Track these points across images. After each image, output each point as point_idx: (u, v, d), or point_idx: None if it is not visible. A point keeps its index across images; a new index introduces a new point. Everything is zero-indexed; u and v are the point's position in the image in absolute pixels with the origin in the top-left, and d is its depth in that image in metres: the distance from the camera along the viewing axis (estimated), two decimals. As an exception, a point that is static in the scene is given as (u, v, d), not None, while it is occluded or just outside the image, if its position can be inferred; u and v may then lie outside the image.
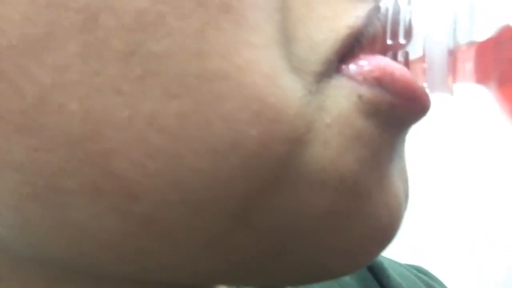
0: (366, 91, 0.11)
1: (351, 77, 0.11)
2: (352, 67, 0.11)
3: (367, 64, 0.11)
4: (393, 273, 0.24)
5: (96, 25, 0.10)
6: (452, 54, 0.12)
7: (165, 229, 0.11)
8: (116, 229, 0.11)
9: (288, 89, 0.10)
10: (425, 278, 0.26)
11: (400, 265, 0.26)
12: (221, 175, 0.10)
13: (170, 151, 0.10)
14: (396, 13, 0.12)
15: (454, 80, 0.13)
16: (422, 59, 0.12)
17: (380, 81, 0.11)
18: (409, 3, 0.12)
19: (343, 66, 0.11)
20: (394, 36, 0.12)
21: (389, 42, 0.12)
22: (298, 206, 0.11)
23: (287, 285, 0.14)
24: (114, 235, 0.11)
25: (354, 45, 0.11)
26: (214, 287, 0.15)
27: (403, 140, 0.13)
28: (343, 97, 0.11)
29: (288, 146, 0.10)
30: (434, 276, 0.27)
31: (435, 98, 0.12)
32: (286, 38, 0.11)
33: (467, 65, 0.13)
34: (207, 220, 0.11)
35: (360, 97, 0.11)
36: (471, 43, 0.13)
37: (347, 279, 0.23)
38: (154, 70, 0.10)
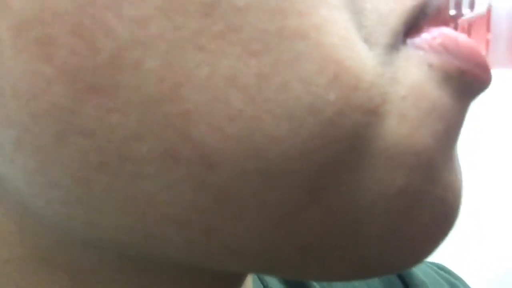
0: (435, 59, 0.11)
1: (418, 47, 0.11)
2: (418, 38, 0.11)
3: (432, 33, 0.11)
4: (416, 270, 0.24)
5: None
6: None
7: (239, 205, 0.10)
8: (189, 203, 0.10)
9: (363, 56, 0.10)
10: (447, 276, 0.26)
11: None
12: (297, 143, 0.10)
13: (249, 113, 0.09)
14: None
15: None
16: (485, 30, 0.15)
17: (446, 48, 0.11)
18: None
19: (409, 38, 0.11)
20: (458, 6, 0.15)
21: (452, 12, 0.12)
22: (371, 184, 0.10)
23: (336, 279, 0.14)
24: (186, 210, 0.10)
25: (419, 16, 0.11)
26: (244, 281, 0.14)
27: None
28: (413, 67, 0.11)
29: (365, 117, 0.10)
30: (456, 274, 0.26)
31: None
32: (356, 8, 0.10)
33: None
34: (281, 194, 0.10)
35: (430, 65, 0.11)
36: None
37: None
38: (235, 25, 0.09)
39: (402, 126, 0.10)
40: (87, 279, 0.12)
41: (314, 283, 0.22)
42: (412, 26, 0.11)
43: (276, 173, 0.10)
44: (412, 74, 0.10)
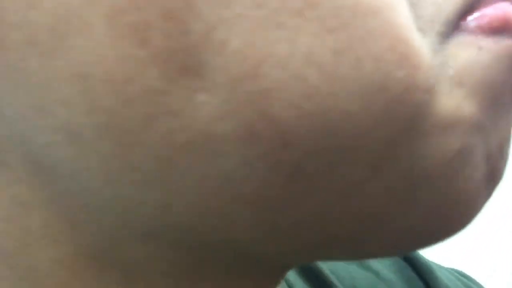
0: (485, 43, 0.11)
1: (469, 30, 0.11)
2: (470, 21, 0.11)
3: (485, 15, 0.11)
4: (440, 274, 0.24)
5: None
6: None
7: (310, 182, 0.11)
8: (263, 181, 0.10)
9: (421, 41, 0.11)
10: (467, 281, 0.26)
11: (442, 267, 0.26)
12: (368, 119, 0.10)
13: (326, 90, 0.10)
14: None
15: None
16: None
17: (495, 27, 0.11)
18: None
19: (462, 22, 0.11)
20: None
21: None
22: (429, 152, 0.11)
23: (385, 253, 0.14)
24: (259, 188, 0.10)
25: (473, 2, 0.11)
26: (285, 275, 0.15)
27: None
28: (464, 51, 0.11)
29: (424, 95, 0.10)
30: (476, 281, 0.26)
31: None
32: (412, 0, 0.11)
33: None
34: (350, 169, 0.11)
35: (480, 48, 0.11)
36: None
37: (392, 277, 0.23)
38: (312, 2, 0.10)
39: (452, 101, 0.11)
40: (139, 275, 0.12)
41: (338, 284, 0.22)
42: (467, 11, 0.11)
43: (347, 149, 0.10)
44: (462, 57, 0.11)
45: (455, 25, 0.11)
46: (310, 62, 0.10)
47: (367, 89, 0.10)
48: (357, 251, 0.13)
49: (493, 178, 0.13)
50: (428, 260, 0.25)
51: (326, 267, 0.22)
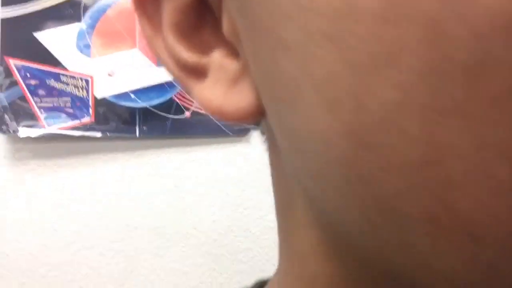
0: None
1: None
2: None
3: None
4: None
5: (442, 37, 0.09)
6: None
7: (506, 279, 0.10)
8: (457, 272, 0.10)
9: None
10: None
11: None
12: None
13: None
14: None
15: None
16: None
17: None
18: None
19: None
20: None
21: None
22: None
23: None
24: (455, 275, 0.10)
25: None
26: None
27: None
28: None
29: None
30: None
31: None
32: None
33: None
34: None
35: None
36: None
37: None
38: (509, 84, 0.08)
39: None
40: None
41: None
42: None
43: None
44: None
45: None
46: (500, 155, 0.09)
47: None
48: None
49: None
50: None
51: None
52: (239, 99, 0.13)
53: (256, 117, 0.13)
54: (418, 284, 0.11)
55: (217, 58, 0.14)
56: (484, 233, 0.09)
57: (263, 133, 0.17)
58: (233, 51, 0.13)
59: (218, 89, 0.13)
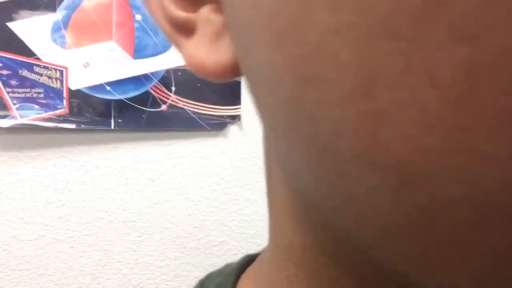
0: None
1: None
2: None
3: None
4: None
5: None
6: None
7: (443, 231, 0.09)
8: (388, 213, 0.09)
9: None
10: None
11: None
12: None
13: (451, 121, 0.07)
14: None
15: None
16: None
17: None
18: None
19: None
20: None
21: None
22: None
23: None
24: (386, 216, 0.09)
25: None
26: None
27: None
28: None
29: None
30: None
31: None
32: None
33: None
34: (494, 233, 0.08)
35: None
36: None
37: None
38: (439, 0, 0.07)
39: None
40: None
41: None
42: None
43: (489, 206, 0.08)
44: None
45: None
46: (430, 83, 0.07)
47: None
48: None
49: None
50: None
51: None
52: (219, 54, 0.13)
53: (233, 74, 0.14)
54: (367, 248, 0.11)
55: (204, 14, 0.14)
56: (415, 173, 0.08)
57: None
58: (219, 6, 0.14)
59: (202, 45, 0.14)
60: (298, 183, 0.13)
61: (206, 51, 0.14)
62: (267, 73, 0.11)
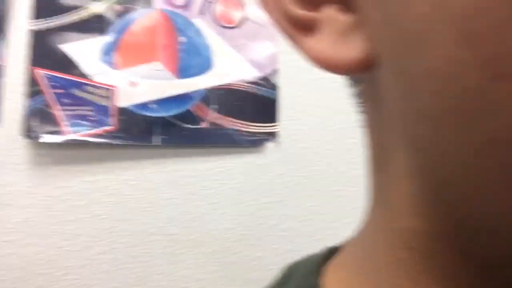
0: None
1: None
2: None
3: None
4: None
5: None
6: None
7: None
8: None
9: None
10: None
11: None
12: None
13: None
14: None
15: None
16: None
17: None
18: None
19: None
20: None
21: None
22: None
23: None
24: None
25: None
26: None
27: None
28: None
29: None
30: None
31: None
32: None
33: None
34: None
35: None
36: None
37: None
38: None
39: None
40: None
41: None
42: None
43: None
44: None
45: None
46: None
47: None
48: None
49: None
50: None
51: None
52: (348, 50, 0.14)
53: (362, 69, 0.14)
54: (501, 245, 0.12)
55: (328, 13, 0.15)
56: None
57: (357, 95, 0.18)
58: (344, 7, 0.15)
59: (327, 42, 0.15)
60: (437, 174, 0.14)
61: (331, 47, 0.15)
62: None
